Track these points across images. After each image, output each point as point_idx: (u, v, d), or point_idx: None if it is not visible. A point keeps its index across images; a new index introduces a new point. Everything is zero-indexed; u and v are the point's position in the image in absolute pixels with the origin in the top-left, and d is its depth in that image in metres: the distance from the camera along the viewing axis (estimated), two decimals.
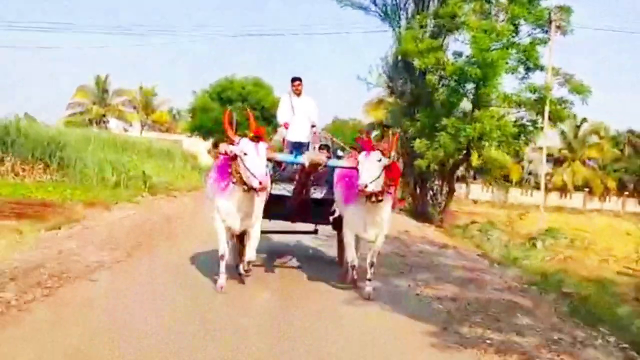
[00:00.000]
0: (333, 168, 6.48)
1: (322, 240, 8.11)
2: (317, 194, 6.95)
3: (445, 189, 16.98)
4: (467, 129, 13.49)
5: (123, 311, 4.59)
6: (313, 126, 7.44)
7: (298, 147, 7.10)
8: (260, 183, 5.10)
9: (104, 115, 37.13)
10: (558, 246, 14.78)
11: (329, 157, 6.35)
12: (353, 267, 6.23)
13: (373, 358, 4.14)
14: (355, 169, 5.73)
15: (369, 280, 5.95)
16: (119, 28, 70.84)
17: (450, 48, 15.19)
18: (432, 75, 13.92)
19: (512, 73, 13.91)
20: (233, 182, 5.40)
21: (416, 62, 13.93)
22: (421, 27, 14.92)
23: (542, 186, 19.31)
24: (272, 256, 7.36)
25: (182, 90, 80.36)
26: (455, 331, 4.80)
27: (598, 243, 15.85)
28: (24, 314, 4.12)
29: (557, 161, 45.24)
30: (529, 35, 14.52)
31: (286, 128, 7.27)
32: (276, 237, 8.17)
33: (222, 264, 5.66)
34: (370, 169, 5.51)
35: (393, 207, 6.16)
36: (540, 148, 45.68)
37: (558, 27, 13.97)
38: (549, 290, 7.25)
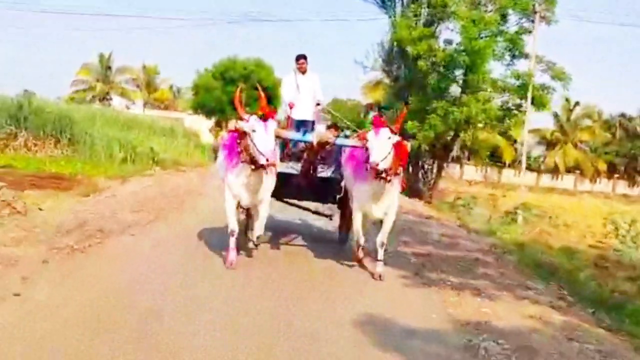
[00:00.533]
0: (340, 147, 6.49)
1: (326, 220, 8.24)
2: (325, 172, 6.96)
3: (436, 167, 18.13)
4: (455, 112, 14.53)
5: (157, 257, 5.77)
6: (318, 104, 7.48)
7: (303, 125, 7.15)
8: (267, 160, 5.22)
9: (107, 93, 37.96)
10: (539, 223, 15.95)
11: (337, 136, 6.32)
12: (360, 246, 6.24)
13: (359, 293, 5.32)
14: (364, 147, 5.71)
15: (380, 260, 5.99)
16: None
17: (442, 35, 16.19)
18: (424, 62, 14.88)
19: (499, 60, 14.94)
20: (242, 161, 5.50)
21: (409, 49, 14.91)
22: (415, 15, 15.88)
23: (523, 166, 20.56)
24: (277, 235, 7.42)
25: (184, 69, 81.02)
26: (424, 276, 5.95)
27: (581, 222, 17.03)
28: (85, 255, 5.29)
29: (549, 144, 46.30)
30: (516, 24, 15.52)
31: (291, 108, 7.18)
32: (282, 217, 8.35)
33: (232, 240, 5.79)
34: (381, 146, 5.45)
35: (402, 189, 6.21)
36: (535, 130, 46.78)
37: (542, 17, 14.90)
38: (517, 254, 8.40)
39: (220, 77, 28.17)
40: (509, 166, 46.10)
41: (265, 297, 4.79)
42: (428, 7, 15.31)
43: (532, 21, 15.41)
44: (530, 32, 14.90)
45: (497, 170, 44.90)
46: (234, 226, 5.85)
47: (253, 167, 5.42)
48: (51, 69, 65.60)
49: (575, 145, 45.33)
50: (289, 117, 7.30)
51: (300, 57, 7.39)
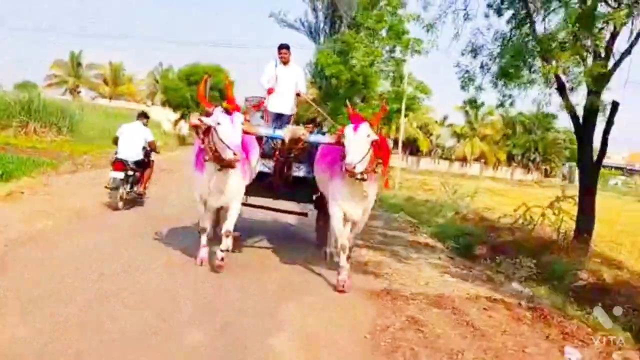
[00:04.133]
0: (317, 145, 6.12)
1: (297, 218, 8.44)
2: (300, 171, 6.63)
3: None
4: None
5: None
6: (298, 94, 7.06)
7: (280, 120, 6.83)
8: (234, 154, 4.85)
9: (77, 86, 43.03)
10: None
11: (311, 132, 5.96)
12: (342, 248, 5.72)
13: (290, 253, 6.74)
14: (340, 144, 5.35)
15: (343, 267, 5.67)
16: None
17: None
18: (336, 80, 21.81)
19: (386, 79, 22.19)
20: (207, 159, 5.20)
21: (326, 70, 21.79)
22: (333, 44, 22.90)
23: (399, 150, 27.57)
24: (243, 235, 7.27)
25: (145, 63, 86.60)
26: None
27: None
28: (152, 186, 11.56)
29: (460, 136, 54.56)
30: (401, 52, 22.76)
31: (269, 93, 6.80)
32: (249, 214, 7.85)
33: (204, 237, 5.77)
34: (359, 145, 5.05)
35: (386, 186, 6.09)
36: (449, 125, 54.61)
37: (415, 50, 22.16)
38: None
39: (185, 78, 34.35)
40: (427, 155, 53.95)
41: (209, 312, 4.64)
42: (342, 42, 22.29)
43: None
44: (405, 60, 22.21)
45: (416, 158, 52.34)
46: (204, 224, 5.78)
47: (218, 166, 5.14)
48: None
49: (481, 138, 53.49)
50: (265, 110, 6.99)
51: (283, 47, 6.98)
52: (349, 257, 5.84)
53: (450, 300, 5.75)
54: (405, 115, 23.31)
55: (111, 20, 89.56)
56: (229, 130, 4.96)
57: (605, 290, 6.62)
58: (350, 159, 4.99)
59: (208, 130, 5.06)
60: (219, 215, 6.45)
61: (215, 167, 5.21)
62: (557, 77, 8.24)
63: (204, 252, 5.85)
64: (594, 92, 7.83)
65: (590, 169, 8.61)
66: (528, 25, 8.29)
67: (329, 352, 4.24)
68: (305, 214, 7.84)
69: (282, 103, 7.02)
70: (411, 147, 49.53)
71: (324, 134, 6.62)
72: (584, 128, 8.52)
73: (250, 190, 6.16)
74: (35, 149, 18.32)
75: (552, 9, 7.78)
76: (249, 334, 4.34)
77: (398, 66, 22.29)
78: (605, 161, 12.39)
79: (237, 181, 5.57)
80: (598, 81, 7.48)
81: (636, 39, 7.67)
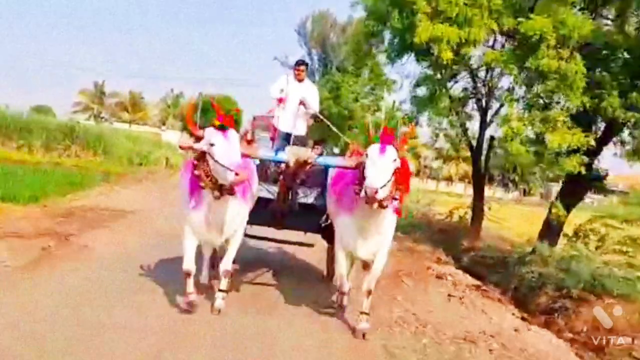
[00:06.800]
0: (327, 168, 5.57)
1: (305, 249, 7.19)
2: (308, 198, 6.07)
3: None
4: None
5: None
6: (302, 103, 6.24)
7: (288, 139, 6.01)
8: (236, 174, 4.17)
9: (100, 112, 48.27)
10: None
11: (320, 154, 5.37)
12: (343, 293, 5.32)
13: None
14: (354, 168, 4.76)
15: (365, 314, 4.91)
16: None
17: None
18: (327, 113, 26.87)
19: (367, 112, 27.26)
20: (202, 187, 4.50)
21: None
22: (325, 83, 28.08)
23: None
24: (243, 269, 6.56)
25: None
26: None
27: None
28: None
29: (445, 158, 59.42)
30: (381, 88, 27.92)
31: (279, 103, 6.16)
32: (248, 244, 6.87)
33: (190, 283, 4.90)
34: (384, 169, 4.35)
35: (399, 215, 4.89)
36: (435, 149, 59.26)
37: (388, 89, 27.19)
38: None
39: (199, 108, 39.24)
40: (416, 175, 58.80)
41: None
42: (332, 82, 27.36)
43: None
44: (383, 97, 27.31)
45: None
46: (189, 266, 4.90)
47: (217, 193, 4.44)
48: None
49: (464, 160, 58.24)
50: (274, 128, 6.46)
51: (301, 64, 6.61)
52: (370, 305, 5.01)
53: None
54: None
55: (125, 54, 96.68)
56: (225, 148, 4.30)
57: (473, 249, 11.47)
58: (371, 181, 4.27)
59: (202, 155, 4.46)
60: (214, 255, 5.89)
61: (212, 195, 4.50)
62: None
63: (192, 298, 4.93)
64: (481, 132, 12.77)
65: (478, 181, 13.54)
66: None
67: None
68: (312, 245, 6.85)
69: (292, 122, 6.27)
70: None
71: (334, 154, 5.96)
72: (476, 153, 13.44)
73: (250, 218, 5.55)
74: (79, 167, 22.45)
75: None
76: None
77: (377, 100, 27.43)
78: None
79: (238, 209, 4.88)
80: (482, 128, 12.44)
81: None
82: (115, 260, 6.59)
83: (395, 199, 4.65)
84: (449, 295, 7.05)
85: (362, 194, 4.37)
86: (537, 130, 8.85)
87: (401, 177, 4.60)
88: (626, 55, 9.03)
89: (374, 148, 4.48)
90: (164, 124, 50.79)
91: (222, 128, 4.40)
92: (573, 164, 8.73)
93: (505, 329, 5.68)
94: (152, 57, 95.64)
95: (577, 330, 6.91)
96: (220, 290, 5.10)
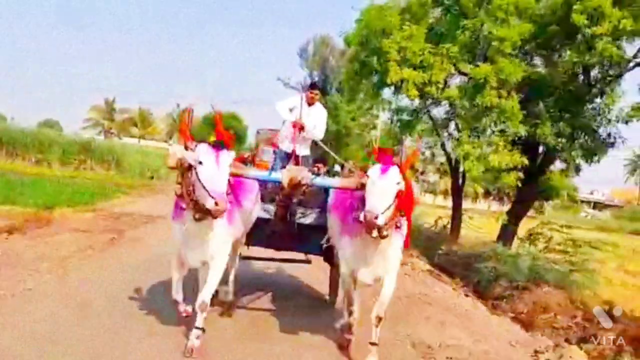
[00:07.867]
0: (327, 189, 5.33)
1: (305, 269, 7.01)
2: (307, 218, 5.84)
3: None
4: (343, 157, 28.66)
5: None
6: (299, 127, 5.83)
7: (288, 160, 5.83)
8: (216, 204, 3.81)
9: (110, 128, 50.41)
10: None
11: (317, 174, 5.10)
12: (350, 324, 4.82)
13: None
14: (354, 189, 4.38)
15: (374, 344, 4.49)
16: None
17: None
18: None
19: (364, 130, 29.28)
20: (182, 207, 4.21)
21: None
22: (324, 103, 30.23)
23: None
24: (236, 291, 5.92)
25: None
26: None
27: None
28: None
29: (442, 173, 61.46)
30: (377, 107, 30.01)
31: (301, 130, 5.82)
32: (244, 265, 6.62)
33: (181, 308, 4.70)
34: (385, 192, 4.02)
35: (406, 246, 4.57)
36: (433, 163, 61.10)
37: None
38: None
39: (209, 123, 41.36)
40: None
41: None
42: (331, 103, 29.42)
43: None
44: (378, 115, 29.35)
45: None
46: (177, 294, 4.68)
47: (196, 215, 4.09)
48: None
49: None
50: (274, 145, 6.38)
51: (315, 87, 6.51)
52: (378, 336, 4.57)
53: None
54: None
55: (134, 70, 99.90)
56: (212, 172, 3.96)
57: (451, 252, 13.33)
58: (371, 206, 3.95)
59: (189, 169, 4.09)
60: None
61: (192, 215, 4.15)
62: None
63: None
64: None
65: (456, 193, 15.45)
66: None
67: None
68: (309, 262, 6.81)
69: (297, 143, 6.03)
70: None
71: (335, 174, 6.25)
72: (453, 170, 15.38)
73: (247, 239, 5.51)
74: (93, 180, 24.05)
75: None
76: None
77: (374, 119, 29.46)
78: (587, 197, 18.63)
79: (219, 232, 4.47)
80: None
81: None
82: (161, 246, 8.21)
83: (399, 227, 4.32)
84: (405, 274, 8.90)
85: (362, 218, 4.03)
86: (482, 151, 10.94)
87: (406, 200, 4.21)
88: (557, 90, 11.14)
89: (375, 169, 4.16)
90: (171, 137, 52.84)
91: (217, 146, 4.07)
92: (511, 179, 10.96)
93: (443, 297, 7.74)
94: (160, 74, 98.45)
95: (519, 311, 8.74)
96: (196, 328, 4.47)
